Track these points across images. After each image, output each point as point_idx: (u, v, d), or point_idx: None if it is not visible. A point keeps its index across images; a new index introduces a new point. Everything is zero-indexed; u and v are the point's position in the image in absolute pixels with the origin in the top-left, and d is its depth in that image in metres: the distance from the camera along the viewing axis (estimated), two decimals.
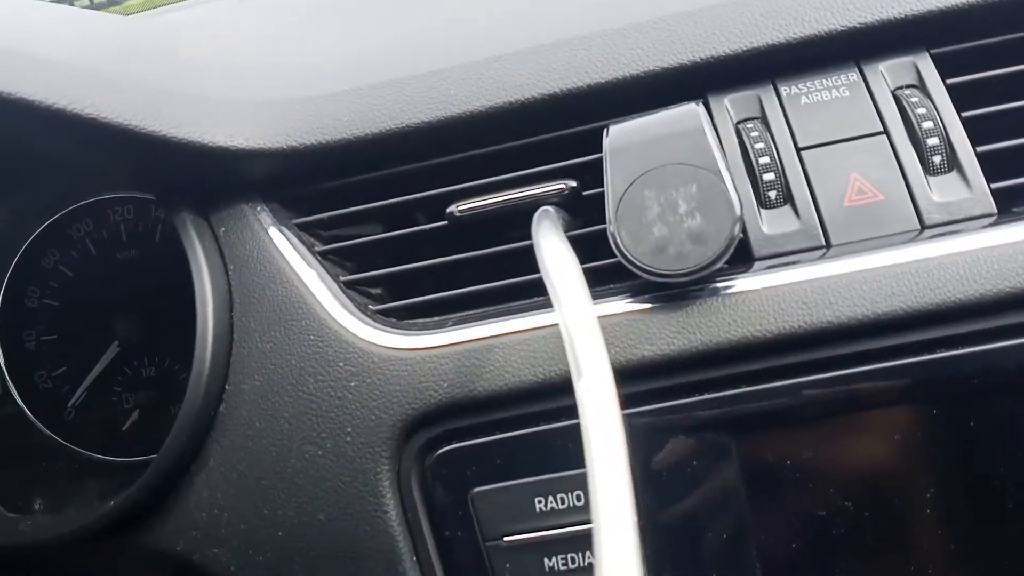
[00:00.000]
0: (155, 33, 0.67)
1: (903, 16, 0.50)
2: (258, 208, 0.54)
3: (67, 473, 0.62)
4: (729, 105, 0.52)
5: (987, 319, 0.45)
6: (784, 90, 0.52)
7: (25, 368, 0.67)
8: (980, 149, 0.48)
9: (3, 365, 0.67)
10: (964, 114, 0.49)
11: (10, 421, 0.66)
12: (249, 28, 0.69)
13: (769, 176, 0.49)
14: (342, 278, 0.52)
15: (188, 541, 0.51)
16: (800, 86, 0.52)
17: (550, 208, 0.50)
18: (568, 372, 0.43)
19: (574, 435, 0.40)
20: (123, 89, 0.51)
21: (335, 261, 0.53)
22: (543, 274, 0.43)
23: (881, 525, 0.45)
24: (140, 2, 1.15)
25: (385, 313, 0.51)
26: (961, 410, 0.45)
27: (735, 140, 0.51)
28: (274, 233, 0.53)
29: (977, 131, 0.49)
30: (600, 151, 0.49)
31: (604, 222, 0.47)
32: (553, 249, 0.44)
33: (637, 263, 0.46)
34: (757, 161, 0.50)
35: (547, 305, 0.47)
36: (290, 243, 0.53)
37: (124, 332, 0.66)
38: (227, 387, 0.51)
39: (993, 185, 0.47)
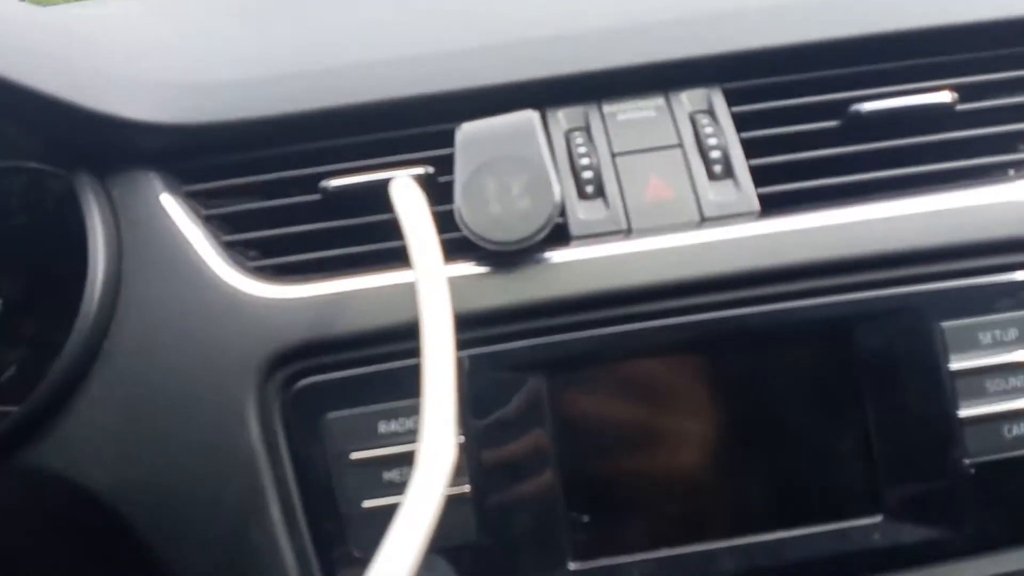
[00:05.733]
0: (65, 18, 0.74)
1: (701, 56, 0.63)
2: (151, 175, 0.61)
3: None
4: (562, 116, 0.63)
5: (746, 289, 0.57)
6: (606, 108, 0.63)
7: None
8: (752, 162, 0.61)
9: None
10: (742, 135, 0.62)
11: None
12: (153, 23, 0.76)
13: (587, 174, 0.60)
14: (223, 238, 0.60)
15: (69, 459, 0.56)
16: (619, 106, 0.63)
17: (408, 177, 0.59)
18: (408, 319, 0.52)
19: (414, 372, 0.49)
20: (25, 53, 0.57)
21: (218, 225, 0.61)
22: (399, 216, 0.53)
23: (662, 452, 0.56)
24: None
25: (259, 269, 0.59)
26: (727, 359, 0.56)
27: (564, 144, 0.62)
28: (165, 197, 0.60)
29: (752, 149, 0.61)
30: (453, 146, 0.59)
31: (453, 203, 0.57)
32: (411, 198, 0.54)
33: (476, 235, 0.56)
34: (579, 162, 0.61)
35: (397, 267, 0.57)
36: (179, 206, 0.60)
37: (8, 291, 0.71)
38: (112, 325, 0.57)
39: (759, 190, 0.60)
